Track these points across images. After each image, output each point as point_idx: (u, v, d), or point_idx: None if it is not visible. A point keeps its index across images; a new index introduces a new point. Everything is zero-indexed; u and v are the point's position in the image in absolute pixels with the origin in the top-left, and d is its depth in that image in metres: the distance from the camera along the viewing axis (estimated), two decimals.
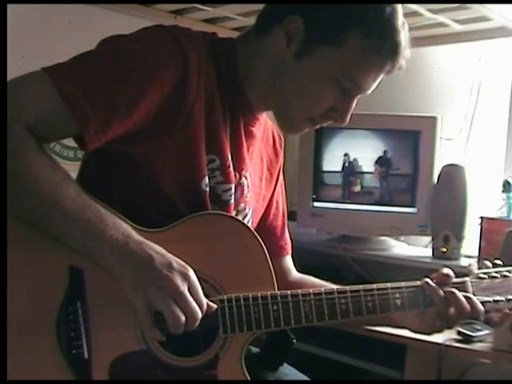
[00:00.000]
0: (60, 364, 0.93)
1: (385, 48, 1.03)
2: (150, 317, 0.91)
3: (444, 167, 2.00)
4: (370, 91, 1.10)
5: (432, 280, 1.12)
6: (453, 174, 1.97)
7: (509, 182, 1.92)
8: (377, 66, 1.05)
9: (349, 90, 1.06)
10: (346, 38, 1.02)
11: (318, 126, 1.13)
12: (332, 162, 2.17)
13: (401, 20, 1.06)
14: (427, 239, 2.15)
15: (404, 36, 1.06)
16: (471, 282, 1.15)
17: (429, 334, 1.16)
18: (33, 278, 0.94)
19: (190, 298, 0.91)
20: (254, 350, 1.21)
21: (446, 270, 1.14)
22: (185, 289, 0.91)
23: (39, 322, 0.93)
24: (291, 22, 1.04)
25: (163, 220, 1.02)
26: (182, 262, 0.94)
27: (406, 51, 1.07)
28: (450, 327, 1.14)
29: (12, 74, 0.94)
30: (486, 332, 1.64)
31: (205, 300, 0.94)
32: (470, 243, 1.97)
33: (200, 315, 0.92)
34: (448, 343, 1.60)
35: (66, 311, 0.94)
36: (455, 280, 1.15)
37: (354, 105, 1.09)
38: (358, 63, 1.03)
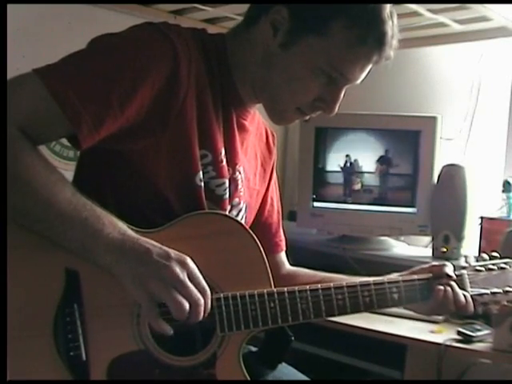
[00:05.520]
0: (58, 366, 0.93)
1: (370, 38, 1.02)
2: (154, 309, 0.91)
3: (444, 167, 2.00)
4: (358, 81, 1.09)
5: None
6: (453, 174, 1.97)
7: (509, 182, 1.92)
8: (363, 56, 1.04)
9: (336, 80, 1.06)
10: (330, 28, 1.02)
11: (307, 117, 1.12)
12: (332, 161, 2.17)
13: (388, 10, 1.04)
14: (427, 239, 2.15)
15: (391, 26, 1.04)
16: (468, 275, 1.16)
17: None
18: (29, 281, 0.94)
19: (191, 285, 0.91)
20: (253, 349, 1.22)
21: (448, 270, 1.16)
22: (184, 276, 0.91)
23: (36, 324, 0.93)
24: (276, 12, 1.04)
25: (158, 218, 1.02)
26: (179, 252, 0.94)
27: (394, 41, 1.06)
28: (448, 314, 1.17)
29: (12, 74, 0.94)
30: (486, 332, 1.63)
31: (206, 286, 0.94)
32: (470, 243, 1.97)
33: (202, 301, 0.92)
34: (448, 343, 1.60)
35: (62, 313, 0.94)
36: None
37: (342, 95, 1.08)
38: (344, 53, 1.03)
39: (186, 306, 0.90)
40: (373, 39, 1.02)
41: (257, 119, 1.23)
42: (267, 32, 1.05)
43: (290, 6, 1.03)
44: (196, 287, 0.92)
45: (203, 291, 0.93)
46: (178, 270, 0.91)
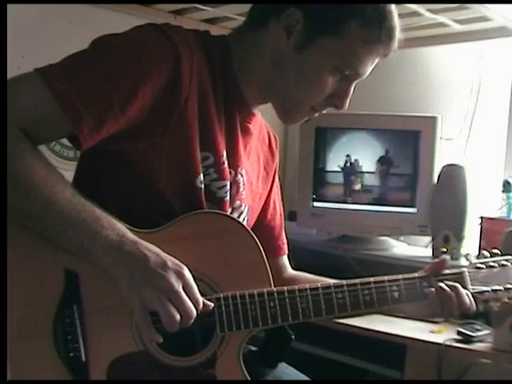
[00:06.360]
0: (58, 367, 0.94)
1: (383, 34, 1.05)
2: (146, 317, 0.91)
3: (444, 167, 2.00)
4: (366, 76, 1.11)
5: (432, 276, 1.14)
6: (453, 174, 1.97)
7: (509, 182, 1.92)
8: (375, 51, 1.07)
9: (348, 77, 1.08)
10: (345, 28, 1.04)
11: (317, 114, 1.14)
12: (332, 161, 2.17)
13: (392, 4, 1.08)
14: (427, 239, 2.15)
15: (397, 19, 1.08)
16: (469, 273, 1.16)
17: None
18: (29, 282, 0.94)
19: (185, 297, 0.91)
20: (253, 348, 1.21)
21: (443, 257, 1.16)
22: (179, 287, 0.91)
23: (36, 325, 0.93)
24: (290, 16, 1.05)
25: (158, 219, 1.02)
26: (177, 261, 0.94)
27: (399, 34, 1.09)
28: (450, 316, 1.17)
29: (12, 74, 0.94)
30: (486, 332, 1.63)
31: (201, 298, 0.94)
32: (470, 243, 1.97)
33: (194, 314, 0.92)
34: (448, 343, 1.60)
35: (62, 314, 0.94)
36: (453, 271, 1.16)
37: (352, 89, 1.11)
38: (358, 51, 1.06)
39: (177, 317, 0.91)
40: (385, 35, 1.05)
41: (259, 122, 1.23)
42: (280, 35, 1.06)
43: (305, 9, 1.04)
44: (190, 298, 0.92)
45: (196, 303, 0.93)
46: (173, 280, 0.91)
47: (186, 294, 0.92)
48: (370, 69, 1.10)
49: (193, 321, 0.93)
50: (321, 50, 1.05)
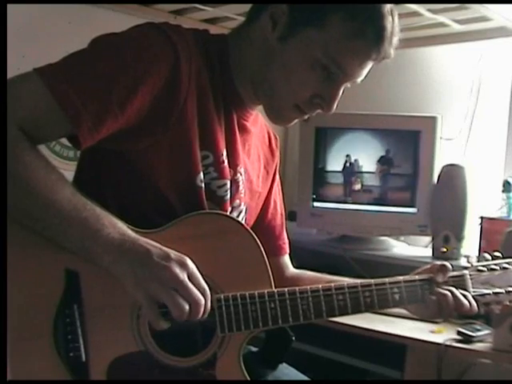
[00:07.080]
0: (58, 367, 0.93)
1: (369, 32, 1.02)
2: (154, 309, 0.91)
3: (444, 167, 2.00)
4: (358, 80, 1.08)
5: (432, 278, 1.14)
6: (453, 174, 1.98)
7: (509, 182, 1.92)
8: (361, 50, 1.04)
9: (334, 76, 1.05)
10: (329, 20, 1.02)
11: (305, 116, 1.12)
12: (332, 161, 2.17)
13: (388, 6, 1.03)
14: (427, 239, 2.15)
15: (391, 22, 1.03)
16: (470, 275, 1.15)
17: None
18: (29, 282, 0.94)
19: (191, 286, 0.91)
20: (254, 349, 1.21)
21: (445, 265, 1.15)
22: (185, 277, 0.91)
23: (36, 325, 0.93)
24: (276, 6, 1.04)
25: (158, 218, 1.02)
26: (179, 253, 0.94)
27: (394, 39, 1.05)
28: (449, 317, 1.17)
29: (12, 74, 0.94)
30: (486, 332, 1.63)
31: (206, 286, 0.94)
32: (470, 243, 1.97)
33: (203, 302, 0.92)
34: (448, 343, 1.60)
35: (62, 314, 0.94)
36: (454, 273, 1.16)
37: (340, 93, 1.08)
38: (342, 46, 1.02)
39: (186, 307, 0.90)
40: (371, 32, 1.02)
41: (259, 121, 1.23)
42: (266, 26, 1.05)
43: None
44: (196, 287, 0.92)
45: (203, 291, 0.93)
46: (177, 270, 0.91)
47: (192, 284, 0.92)
48: (359, 71, 1.06)
49: (203, 310, 0.92)
50: (303, 42, 1.03)
